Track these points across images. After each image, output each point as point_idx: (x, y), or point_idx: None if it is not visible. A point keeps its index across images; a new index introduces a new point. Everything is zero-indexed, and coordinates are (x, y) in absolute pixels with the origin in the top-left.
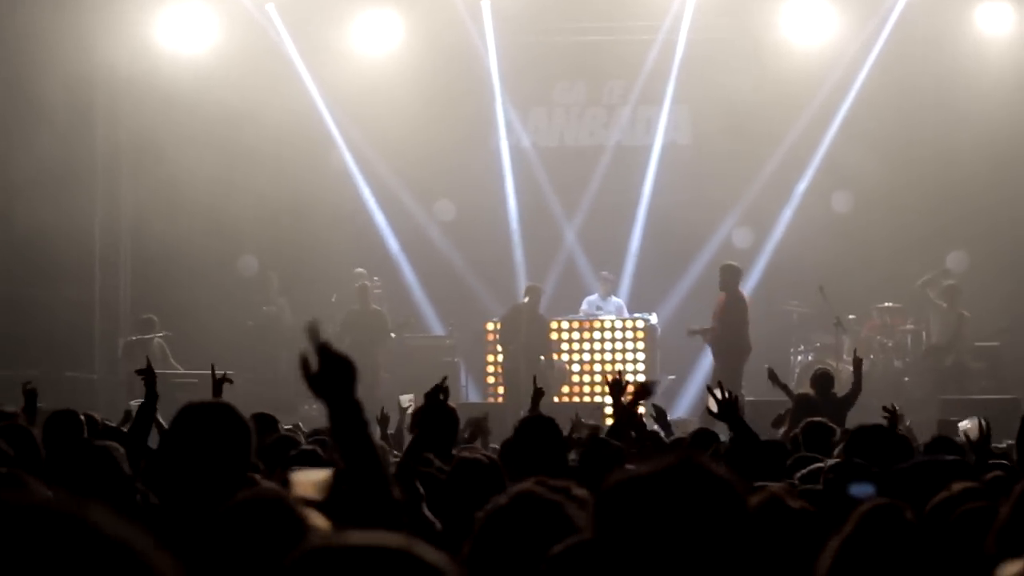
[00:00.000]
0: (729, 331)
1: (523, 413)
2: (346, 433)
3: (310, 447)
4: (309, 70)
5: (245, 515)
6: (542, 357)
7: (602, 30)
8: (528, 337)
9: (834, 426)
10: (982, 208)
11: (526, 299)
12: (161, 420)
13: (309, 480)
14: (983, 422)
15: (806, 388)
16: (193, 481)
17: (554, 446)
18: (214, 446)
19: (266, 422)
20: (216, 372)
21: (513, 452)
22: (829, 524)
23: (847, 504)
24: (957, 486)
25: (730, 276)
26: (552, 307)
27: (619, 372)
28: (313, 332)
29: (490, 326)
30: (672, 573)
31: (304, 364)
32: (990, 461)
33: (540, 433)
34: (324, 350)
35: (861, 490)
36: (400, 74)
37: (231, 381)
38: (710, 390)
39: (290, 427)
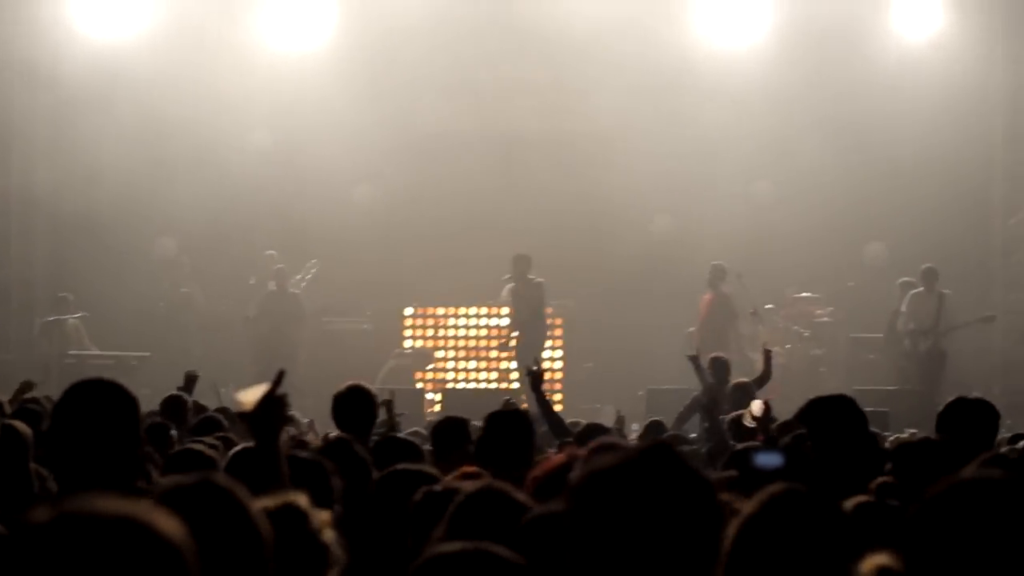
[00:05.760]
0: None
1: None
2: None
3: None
4: (233, 49)
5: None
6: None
7: (527, 15)
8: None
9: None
10: (901, 201)
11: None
12: None
13: (249, 398)
14: (765, 404)
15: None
16: (82, 459)
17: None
18: (101, 423)
19: (176, 404)
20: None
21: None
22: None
23: (755, 476)
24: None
25: (716, 274)
26: (472, 294)
27: (537, 361)
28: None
29: (409, 311)
30: (641, 561)
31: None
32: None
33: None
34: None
35: (768, 460)
36: (325, 56)
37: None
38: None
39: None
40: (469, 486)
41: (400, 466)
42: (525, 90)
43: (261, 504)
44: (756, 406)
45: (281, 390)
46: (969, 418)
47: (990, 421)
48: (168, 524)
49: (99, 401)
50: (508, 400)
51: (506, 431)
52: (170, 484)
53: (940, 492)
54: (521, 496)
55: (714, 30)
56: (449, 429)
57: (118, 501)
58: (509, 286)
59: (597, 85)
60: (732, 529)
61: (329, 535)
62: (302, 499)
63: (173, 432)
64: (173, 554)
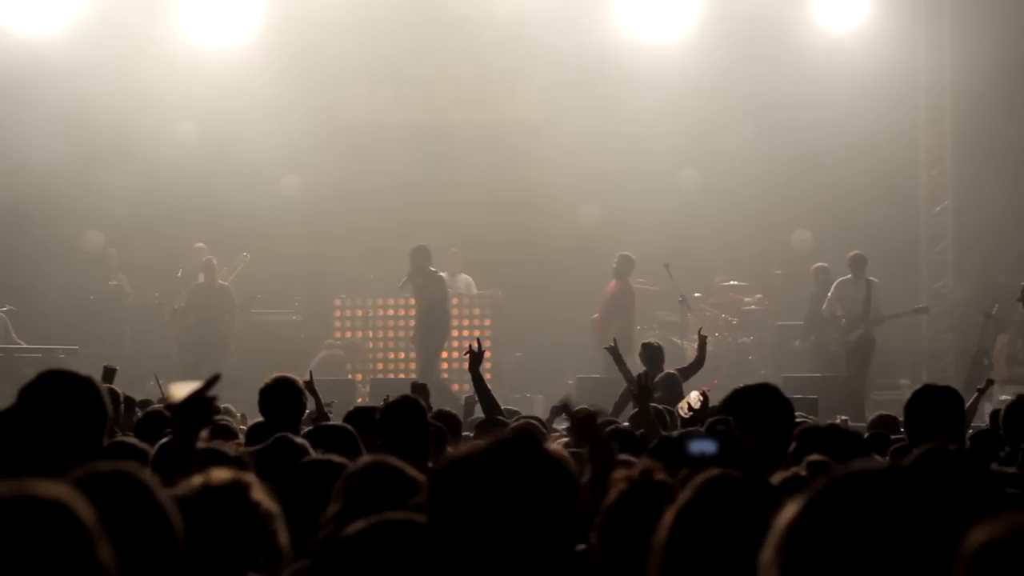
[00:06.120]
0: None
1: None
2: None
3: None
4: (157, 43)
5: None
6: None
7: (451, 5)
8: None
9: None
10: (828, 189)
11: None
12: None
13: (180, 392)
14: (702, 395)
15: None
16: (44, 452)
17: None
18: (68, 415)
19: (111, 398)
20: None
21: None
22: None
23: (690, 463)
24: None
25: (625, 265)
26: (400, 284)
27: (478, 341)
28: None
29: (338, 301)
30: (503, 548)
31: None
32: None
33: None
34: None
35: (702, 446)
36: (249, 49)
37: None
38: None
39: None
40: (358, 463)
41: (309, 458)
42: (450, 81)
43: (207, 480)
44: (693, 397)
45: (212, 392)
46: (936, 406)
47: (957, 409)
48: (75, 502)
49: (70, 393)
50: (415, 383)
51: (401, 420)
52: (83, 472)
53: (821, 486)
54: (409, 470)
55: (639, 19)
56: (360, 419)
57: (23, 483)
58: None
59: (522, 75)
60: (668, 516)
61: (272, 504)
62: (246, 475)
63: None
64: (79, 530)
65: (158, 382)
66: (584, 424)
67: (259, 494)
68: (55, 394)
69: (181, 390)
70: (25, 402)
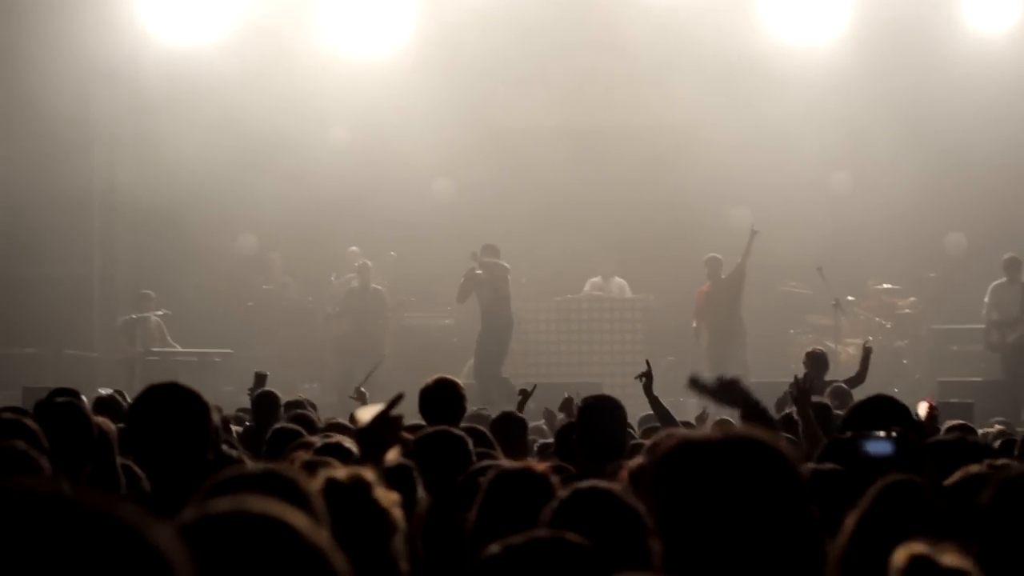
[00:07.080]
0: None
1: None
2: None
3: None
4: (309, 50)
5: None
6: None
7: (601, 6)
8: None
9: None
10: (981, 191)
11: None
12: None
13: (365, 416)
14: (931, 406)
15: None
16: (153, 460)
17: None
18: (171, 427)
19: (269, 401)
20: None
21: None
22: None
23: (864, 465)
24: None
25: (714, 266)
26: (555, 288)
27: (647, 363)
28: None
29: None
30: (727, 539)
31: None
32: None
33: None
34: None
35: (878, 447)
36: (399, 53)
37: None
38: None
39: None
40: (562, 483)
41: (507, 465)
42: (600, 82)
43: (332, 475)
44: (922, 408)
45: (397, 411)
46: None
47: None
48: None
49: (170, 405)
50: (567, 397)
51: (602, 421)
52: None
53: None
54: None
55: (788, 20)
56: (507, 425)
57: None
58: (593, 280)
59: (672, 77)
60: (850, 522)
61: (391, 502)
62: (368, 473)
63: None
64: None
65: (367, 376)
66: (728, 386)
67: (380, 493)
68: (159, 409)
69: (366, 413)
70: (133, 418)
